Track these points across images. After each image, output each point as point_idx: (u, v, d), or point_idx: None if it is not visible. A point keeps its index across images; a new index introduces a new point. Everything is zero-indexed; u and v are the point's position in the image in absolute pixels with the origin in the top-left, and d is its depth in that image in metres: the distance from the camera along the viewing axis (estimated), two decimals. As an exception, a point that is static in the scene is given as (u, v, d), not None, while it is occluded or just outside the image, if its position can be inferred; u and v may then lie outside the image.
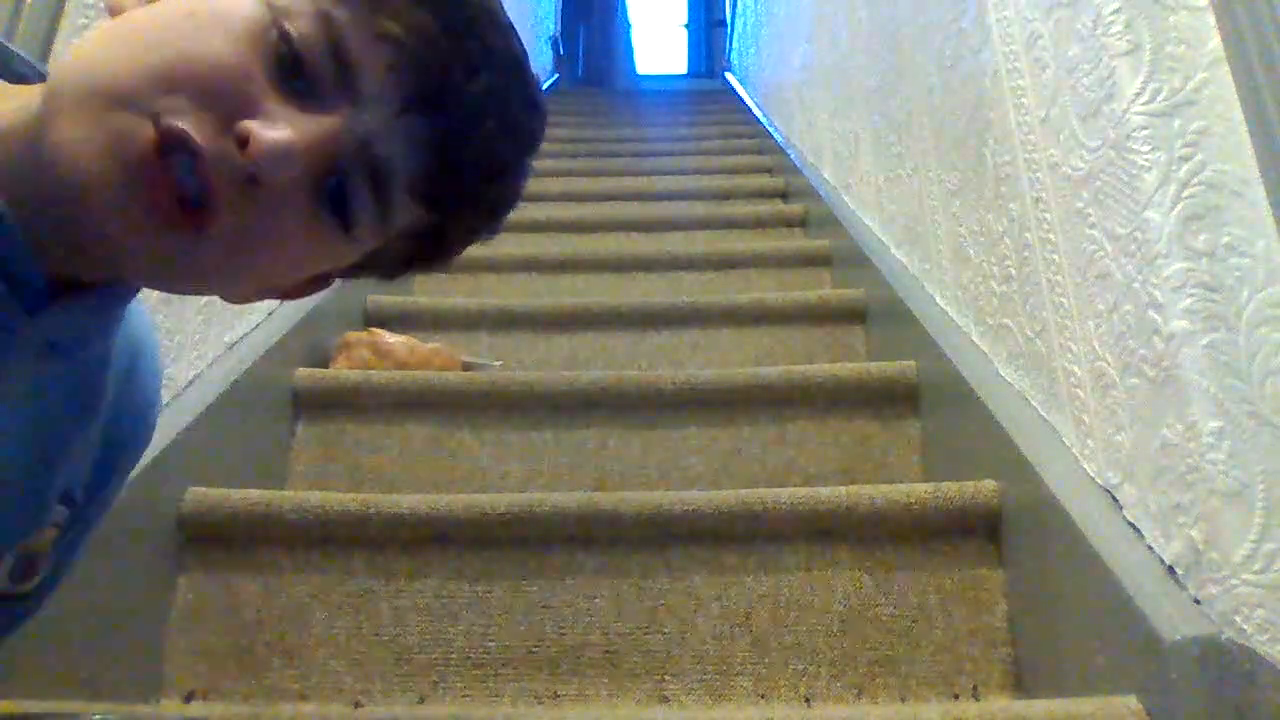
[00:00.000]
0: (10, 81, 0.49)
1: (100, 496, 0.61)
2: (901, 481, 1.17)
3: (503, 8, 0.50)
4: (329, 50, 0.44)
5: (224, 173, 0.42)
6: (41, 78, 0.50)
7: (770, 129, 3.41)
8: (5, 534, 0.52)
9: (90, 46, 0.43)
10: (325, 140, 0.44)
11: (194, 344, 1.16)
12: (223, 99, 0.42)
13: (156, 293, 1.06)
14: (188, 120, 0.41)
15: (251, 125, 0.41)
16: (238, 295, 0.52)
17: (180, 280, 0.48)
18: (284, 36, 0.43)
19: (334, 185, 0.45)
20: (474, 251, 2.12)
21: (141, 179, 0.41)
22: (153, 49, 0.42)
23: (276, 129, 0.42)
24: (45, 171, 0.41)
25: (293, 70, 0.43)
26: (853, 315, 1.73)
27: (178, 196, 0.41)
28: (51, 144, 0.41)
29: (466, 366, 1.60)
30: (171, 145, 0.41)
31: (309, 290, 0.54)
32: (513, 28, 0.51)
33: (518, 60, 0.50)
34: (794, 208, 2.52)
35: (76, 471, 0.55)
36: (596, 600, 1.02)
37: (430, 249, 0.53)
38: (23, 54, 0.51)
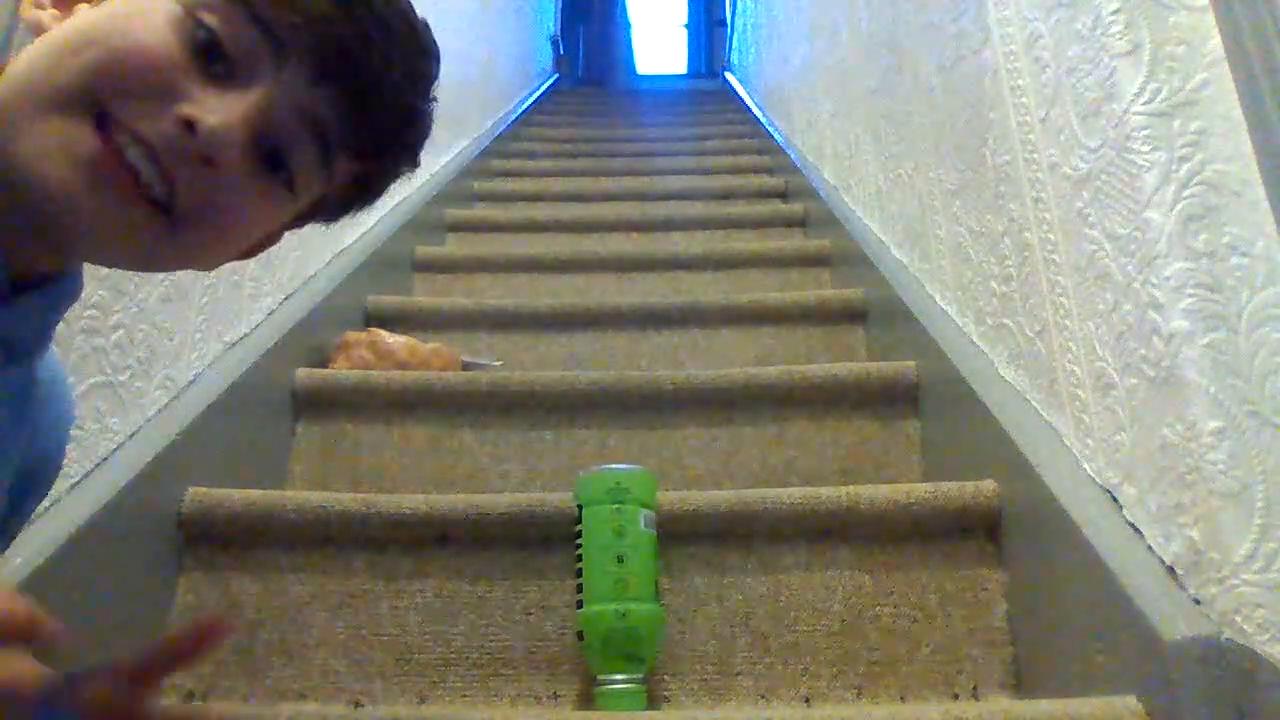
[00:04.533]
0: None
1: (10, 525, 0.61)
2: (901, 481, 1.17)
3: None
4: (245, 34, 0.48)
5: (176, 157, 0.46)
6: None
7: (770, 129, 3.41)
8: None
9: (27, 59, 0.47)
10: (258, 113, 0.48)
11: (194, 344, 1.16)
12: (153, 89, 0.46)
13: (156, 293, 1.06)
14: (127, 113, 0.45)
15: (193, 110, 0.46)
16: (209, 264, 0.56)
17: (159, 261, 0.53)
18: (201, 25, 0.47)
19: (268, 151, 0.50)
20: (474, 251, 2.12)
21: (102, 177, 0.45)
22: (80, 51, 0.46)
23: (215, 111, 0.46)
24: (10, 177, 0.45)
25: (213, 56, 0.48)
26: (853, 315, 1.73)
27: (139, 186, 0.46)
28: (11, 158, 0.44)
29: (466, 366, 1.60)
30: (121, 141, 0.45)
31: (262, 248, 0.59)
32: None
33: (410, 19, 0.56)
34: (794, 208, 2.52)
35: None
36: (596, 600, 1.02)
37: (362, 192, 0.59)
38: None
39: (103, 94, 0.45)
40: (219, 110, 0.46)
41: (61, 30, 0.47)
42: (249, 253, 0.58)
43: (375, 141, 0.55)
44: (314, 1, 0.49)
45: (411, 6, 0.56)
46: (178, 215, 0.47)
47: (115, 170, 0.45)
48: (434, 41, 0.58)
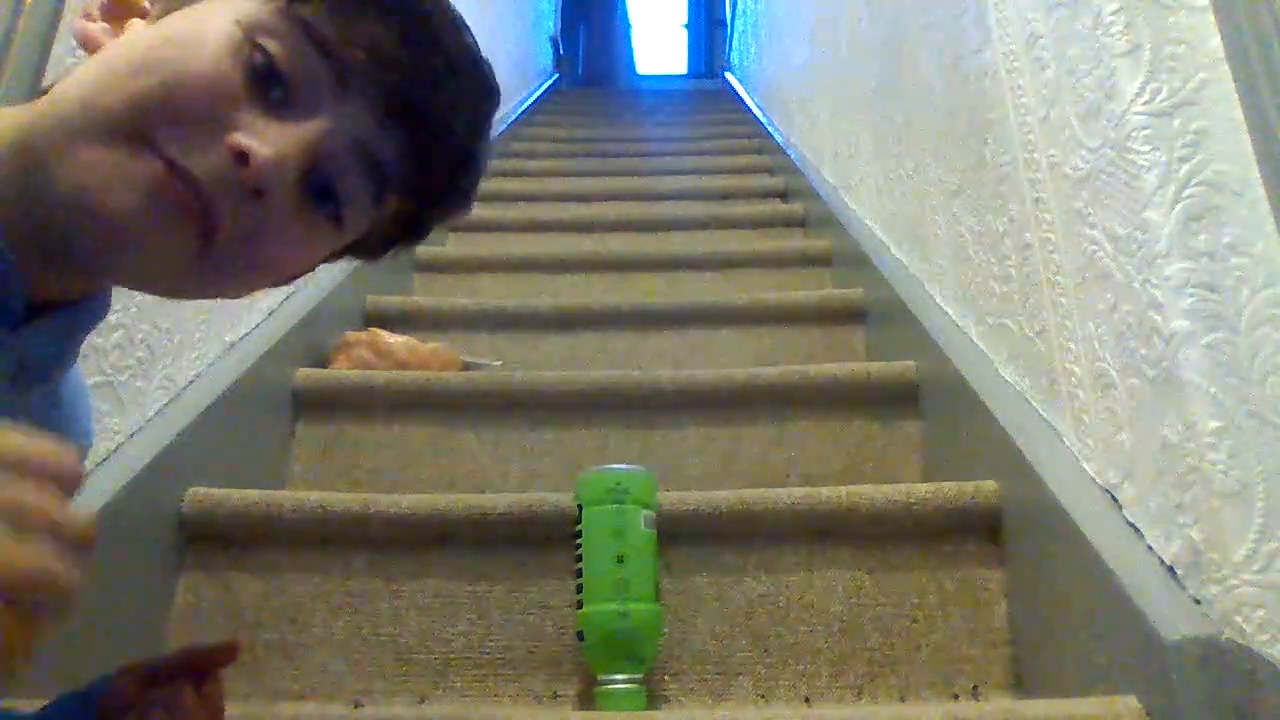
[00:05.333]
0: None
1: None
2: (901, 481, 1.17)
3: (452, 4, 0.54)
4: (305, 62, 0.47)
5: (225, 188, 0.44)
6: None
7: (770, 129, 3.41)
8: None
9: (80, 79, 0.45)
10: (313, 146, 0.47)
11: (194, 344, 1.16)
12: (207, 118, 0.44)
13: (156, 293, 1.06)
14: (177, 145, 0.44)
15: (248, 143, 0.44)
16: (243, 292, 0.54)
17: (195, 289, 0.51)
18: (260, 50, 0.45)
19: (319, 184, 0.48)
20: (474, 251, 2.12)
21: (165, 208, 0.44)
22: (135, 76, 0.44)
23: (270, 142, 0.45)
24: (51, 199, 0.44)
25: (270, 83, 0.46)
26: (853, 315, 1.73)
27: (195, 222, 0.44)
28: (58, 181, 0.43)
29: (466, 366, 1.60)
30: (177, 178, 0.43)
31: (295, 277, 0.57)
32: (464, 22, 0.55)
33: (475, 58, 0.54)
34: (794, 208, 2.52)
35: None
36: (596, 600, 1.02)
37: (410, 231, 0.58)
38: None
39: (154, 122, 0.43)
40: (273, 141, 0.45)
41: (116, 51, 0.46)
42: (283, 281, 0.57)
43: (431, 184, 0.53)
44: (382, 35, 0.48)
45: (477, 43, 0.54)
46: (220, 244, 0.46)
47: (176, 200, 0.44)
48: (496, 81, 0.56)
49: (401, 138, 0.49)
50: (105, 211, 0.43)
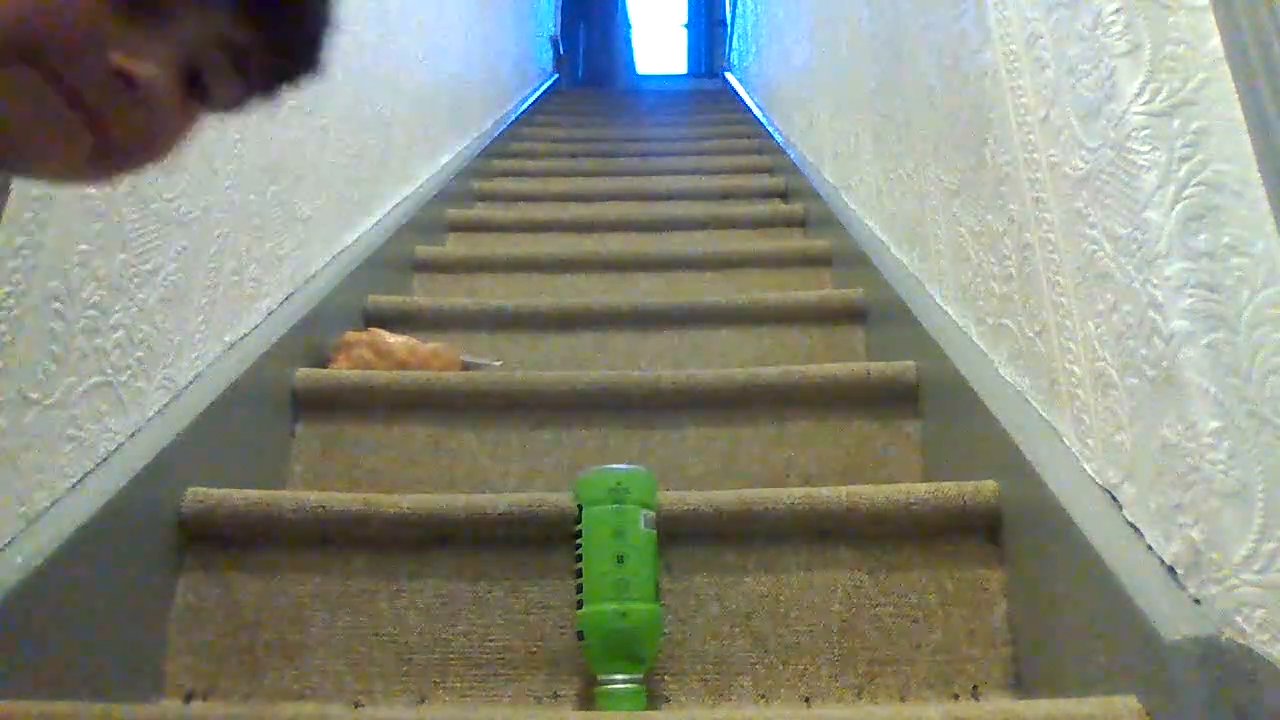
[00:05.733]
0: None
1: None
2: (901, 481, 1.17)
3: None
4: None
5: (114, 105, 0.48)
6: None
7: (770, 129, 3.41)
8: None
9: None
10: (184, 53, 0.50)
11: (194, 344, 1.16)
12: (82, 36, 0.47)
13: (156, 294, 1.06)
14: (74, 72, 0.47)
15: (130, 66, 0.47)
16: (129, 175, 0.59)
17: (88, 182, 0.60)
18: None
19: (190, 78, 0.52)
20: (474, 251, 2.11)
21: (67, 131, 0.48)
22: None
23: (146, 56, 0.48)
24: None
25: None
26: (853, 315, 1.73)
27: (92, 134, 0.49)
28: None
29: (466, 366, 1.60)
30: (74, 100, 0.47)
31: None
32: None
33: None
34: (794, 208, 2.52)
35: None
36: (596, 600, 1.02)
37: (266, 96, 0.61)
38: None
39: (38, 44, 0.46)
40: (149, 56, 0.48)
41: None
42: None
43: (293, 62, 0.57)
44: None
45: None
46: (113, 147, 0.50)
47: (75, 120, 0.47)
48: None
49: (263, 26, 0.53)
50: (10, 132, 0.46)
